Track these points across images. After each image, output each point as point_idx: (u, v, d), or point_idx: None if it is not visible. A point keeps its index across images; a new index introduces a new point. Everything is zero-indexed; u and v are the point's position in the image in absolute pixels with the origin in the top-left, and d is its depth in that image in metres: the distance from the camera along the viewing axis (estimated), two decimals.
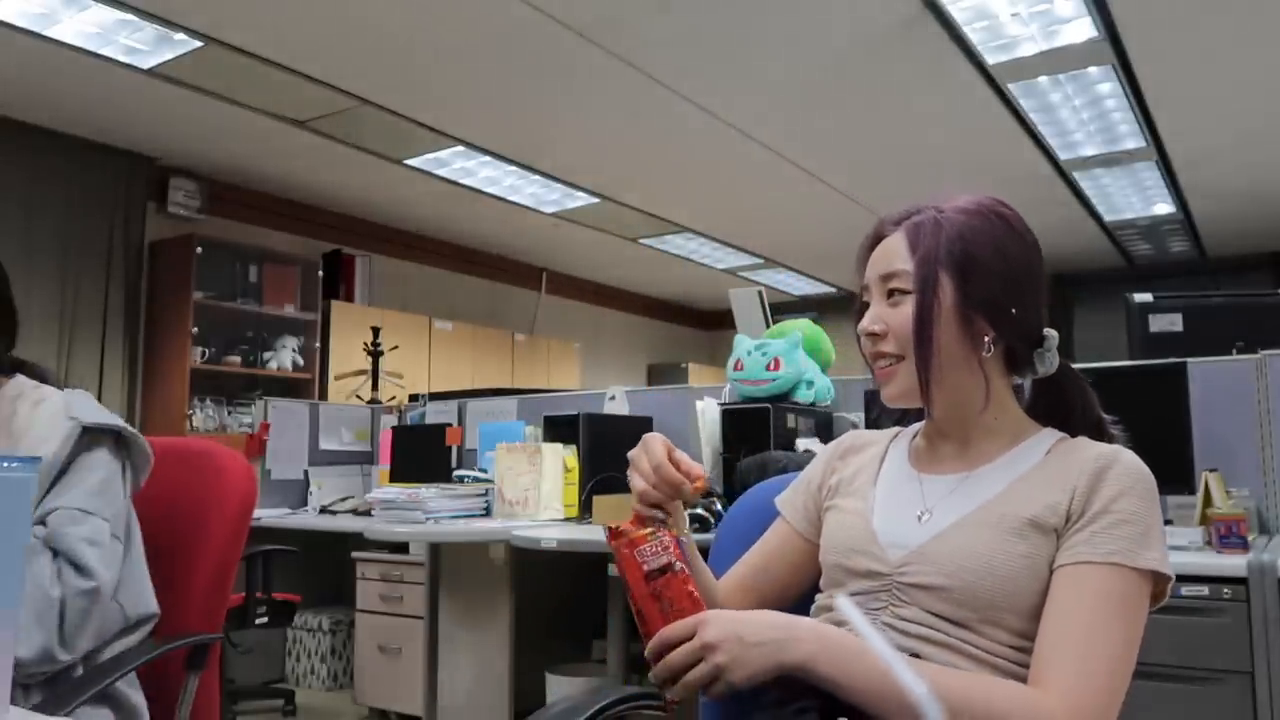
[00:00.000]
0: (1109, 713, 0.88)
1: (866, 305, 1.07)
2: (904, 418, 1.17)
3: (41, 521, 1.23)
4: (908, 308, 1.01)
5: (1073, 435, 1.05)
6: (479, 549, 3.12)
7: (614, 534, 0.99)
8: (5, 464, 0.82)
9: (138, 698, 1.32)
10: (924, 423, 1.12)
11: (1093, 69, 4.13)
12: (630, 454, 1.04)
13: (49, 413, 1.31)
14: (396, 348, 5.65)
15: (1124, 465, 0.95)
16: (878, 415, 2.66)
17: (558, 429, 3.38)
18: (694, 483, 1.00)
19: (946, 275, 1.00)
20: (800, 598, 1.15)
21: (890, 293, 1.04)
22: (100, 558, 1.24)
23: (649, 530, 0.97)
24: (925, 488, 1.05)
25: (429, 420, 4.22)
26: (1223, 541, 2.06)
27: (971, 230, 1.02)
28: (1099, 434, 1.05)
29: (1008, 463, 1.02)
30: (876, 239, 1.08)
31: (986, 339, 1.01)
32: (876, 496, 1.08)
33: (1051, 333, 1.05)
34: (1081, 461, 0.97)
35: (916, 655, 0.95)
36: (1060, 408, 1.08)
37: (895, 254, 1.04)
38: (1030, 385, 1.09)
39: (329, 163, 5.26)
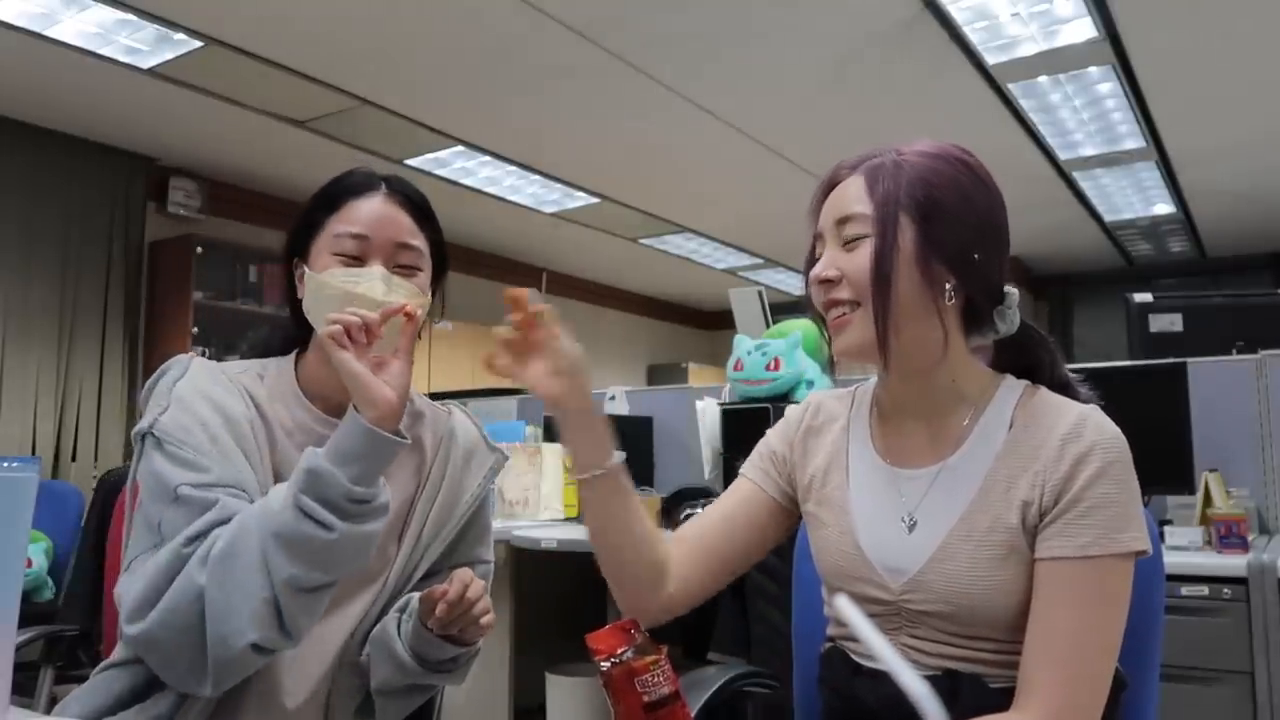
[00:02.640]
0: (1095, 712, 0.89)
1: (818, 257, 1.02)
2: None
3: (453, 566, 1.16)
4: (865, 253, 0.96)
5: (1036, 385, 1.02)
6: None
7: (609, 661, 0.87)
8: (5, 464, 0.82)
9: None
10: (878, 386, 1.08)
11: (1093, 69, 4.13)
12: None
13: (470, 435, 1.25)
14: None
15: (1090, 440, 0.92)
16: None
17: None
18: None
19: (907, 218, 0.95)
20: (759, 558, 1.12)
21: (846, 238, 0.99)
22: None
23: (651, 658, 0.88)
24: (901, 486, 1.01)
25: None
26: (1223, 541, 2.06)
27: (934, 173, 0.97)
28: (1065, 392, 1.01)
29: (976, 446, 0.98)
30: (831, 184, 1.03)
31: (948, 286, 0.96)
32: (854, 505, 1.04)
33: (1012, 290, 1.02)
34: (1050, 438, 0.94)
35: (954, 674, 0.95)
36: (1025, 368, 1.04)
37: (852, 197, 0.99)
38: (994, 347, 1.05)
39: (329, 163, 5.24)
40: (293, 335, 1.21)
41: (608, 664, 0.88)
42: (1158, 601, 1.08)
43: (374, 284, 1.09)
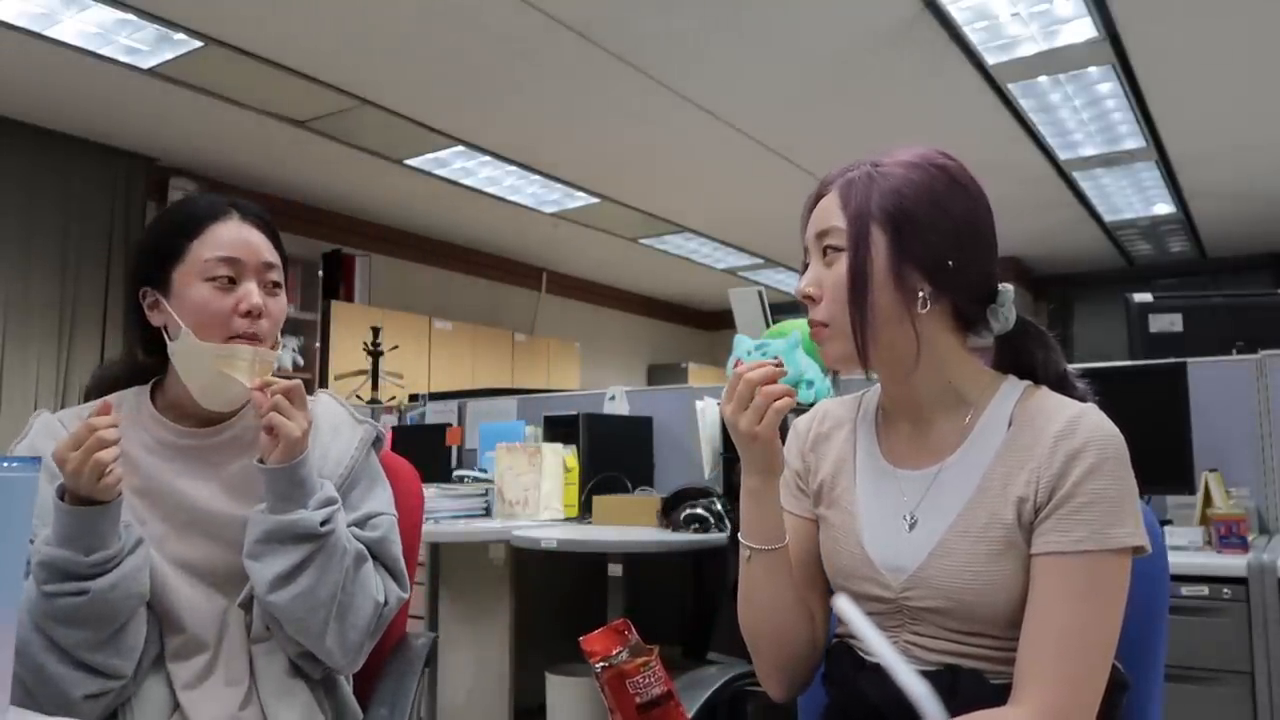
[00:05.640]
0: (1091, 708, 0.89)
1: (808, 267, 1.05)
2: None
3: (356, 524, 1.23)
4: (842, 266, 0.99)
5: (1037, 384, 1.03)
6: (479, 549, 3.12)
7: (602, 663, 0.90)
8: (5, 464, 0.82)
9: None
10: (881, 391, 1.11)
11: (1093, 69, 4.13)
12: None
13: (335, 413, 1.31)
14: (396, 348, 5.65)
15: (1084, 437, 0.92)
16: None
17: (558, 429, 3.38)
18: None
19: (879, 230, 0.97)
20: None
21: (825, 251, 1.01)
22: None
23: (642, 660, 0.90)
24: (904, 486, 1.03)
25: (429, 420, 4.22)
26: (1223, 541, 2.06)
27: (907, 183, 0.98)
28: (1063, 388, 1.02)
29: (975, 446, 0.99)
30: (817, 199, 1.05)
31: (921, 294, 0.97)
32: (859, 504, 1.06)
33: (1006, 288, 1.02)
34: (1044, 436, 0.94)
35: (954, 668, 0.95)
36: (1023, 365, 1.05)
37: (830, 212, 1.01)
38: (996, 345, 1.06)
39: (329, 163, 5.26)
40: (143, 363, 1.28)
41: (601, 666, 0.90)
42: (1161, 602, 1.08)
43: (239, 364, 1.18)
